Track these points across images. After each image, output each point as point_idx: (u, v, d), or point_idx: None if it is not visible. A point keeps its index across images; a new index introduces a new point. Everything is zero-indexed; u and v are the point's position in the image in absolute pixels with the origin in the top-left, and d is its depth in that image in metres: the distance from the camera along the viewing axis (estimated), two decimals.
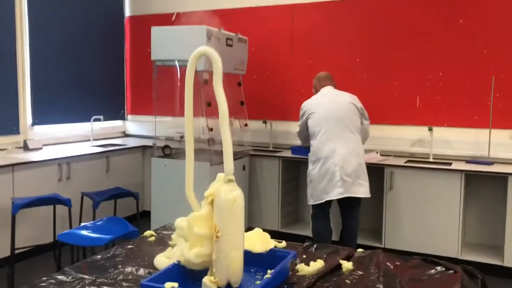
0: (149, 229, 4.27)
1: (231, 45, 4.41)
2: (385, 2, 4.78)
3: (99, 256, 1.85)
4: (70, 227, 3.90)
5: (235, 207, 1.55)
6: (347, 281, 1.63)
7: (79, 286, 1.58)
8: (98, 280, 1.63)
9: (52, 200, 3.87)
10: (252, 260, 1.71)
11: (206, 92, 4.09)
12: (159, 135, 4.77)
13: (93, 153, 4.87)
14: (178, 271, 1.59)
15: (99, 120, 5.39)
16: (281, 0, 5.21)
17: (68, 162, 4.52)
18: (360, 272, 1.70)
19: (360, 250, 1.94)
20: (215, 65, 1.60)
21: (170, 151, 4.47)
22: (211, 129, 4.15)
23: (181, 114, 5.52)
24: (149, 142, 5.54)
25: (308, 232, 4.64)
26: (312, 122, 3.97)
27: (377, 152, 4.67)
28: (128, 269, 1.74)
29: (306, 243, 2.00)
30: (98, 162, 4.90)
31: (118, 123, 6.25)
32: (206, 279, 1.53)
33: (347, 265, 1.76)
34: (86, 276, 1.65)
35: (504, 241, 4.00)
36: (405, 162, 4.45)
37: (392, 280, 1.60)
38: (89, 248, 3.52)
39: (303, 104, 4.14)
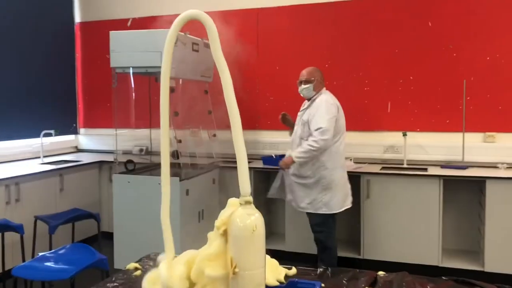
0: (112, 252, 3.89)
1: (197, 50, 4.13)
2: (354, 6, 4.66)
3: None
4: (23, 257, 3.48)
5: (256, 235, 1.28)
6: None
7: None
8: None
9: (1, 227, 3.40)
10: None
11: (173, 100, 3.78)
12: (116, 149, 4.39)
13: (45, 171, 4.40)
14: None
15: (50, 135, 4.91)
16: (245, 4, 5.00)
17: (17, 183, 4.04)
18: None
19: (381, 273, 1.72)
20: (210, 29, 1.29)
21: (134, 166, 4.10)
22: (179, 141, 3.83)
23: (139, 125, 5.12)
24: (105, 158, 5.13)
25: (282, 247, 4.41)
26: (338, 124, 3.70)
27: (351, 160, 4.52)
28: None
29: (320, 269, 1.75)
30: (51, 181, 4.43)
31: (69, 137, 5.77)
32: None
33: None
34: None
35: (484, 246, 3.93)
36: (381, 169, 4.31)
37: None
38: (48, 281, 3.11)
39: (333, 100, 3.75)
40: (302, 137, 3.71)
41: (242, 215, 1.29)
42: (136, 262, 1.88)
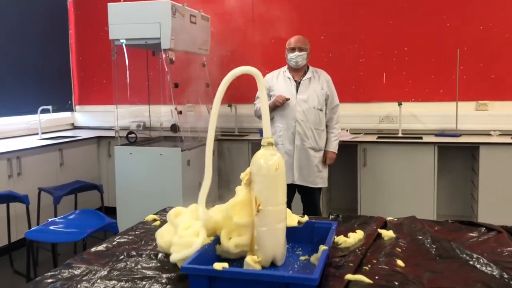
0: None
1: (194, 23, 4.14)
2: None
3: (103, 245, 1.58)
4: (29, 227, 3.51)
5: (278, 173, 1.35)
6: (398, 249, 1.48)
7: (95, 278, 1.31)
8: (115, 270, 1.37)
9: (6, 198, 3.43)
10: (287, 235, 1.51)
11: (173, 72, 3.81)
12: (112, 126, 4.39)
13: (45, 146, 4.42)
14: (213, 251, 1.38)
15: (47, 111, 4.91)
16: None
17: (18, 157, 4.06)
18: (406, 239, 1.56)
19: (390, 218, 1.81)
20: (260, 82, 1.44)
21: (136, 138, 4.14)
22: (180, 112, 3.86)
23: (137, 101, 5.07)
24: (102, 134, 5.15)
25: None
26: None
27: (347, 130, 4.60)
28: (146, 254, 1.49)
29: (331, 216, 1.83)
30: (51, 156, 4.46)
31: (65, 114, 5.77)
32: (249, 259, 1.33)
33: (387, 233, 1.62)
34: (99, 268, 1.38)
35: (478, 210, 4.05)
36: (377, 139, 4.40)
37: (446, 244, 1.47)
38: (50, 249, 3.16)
39: None
40: (318, 108, 3.59)
41: (265, 155, 1.36)
42: (155, 214, 1.95)
